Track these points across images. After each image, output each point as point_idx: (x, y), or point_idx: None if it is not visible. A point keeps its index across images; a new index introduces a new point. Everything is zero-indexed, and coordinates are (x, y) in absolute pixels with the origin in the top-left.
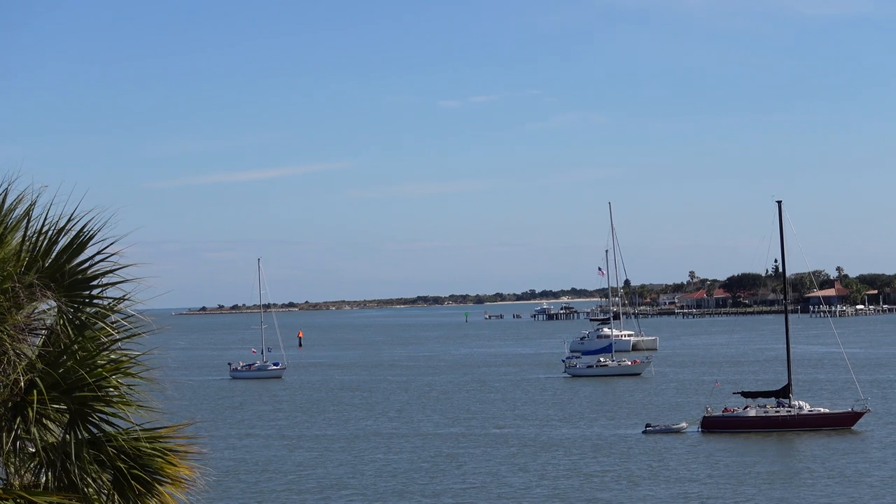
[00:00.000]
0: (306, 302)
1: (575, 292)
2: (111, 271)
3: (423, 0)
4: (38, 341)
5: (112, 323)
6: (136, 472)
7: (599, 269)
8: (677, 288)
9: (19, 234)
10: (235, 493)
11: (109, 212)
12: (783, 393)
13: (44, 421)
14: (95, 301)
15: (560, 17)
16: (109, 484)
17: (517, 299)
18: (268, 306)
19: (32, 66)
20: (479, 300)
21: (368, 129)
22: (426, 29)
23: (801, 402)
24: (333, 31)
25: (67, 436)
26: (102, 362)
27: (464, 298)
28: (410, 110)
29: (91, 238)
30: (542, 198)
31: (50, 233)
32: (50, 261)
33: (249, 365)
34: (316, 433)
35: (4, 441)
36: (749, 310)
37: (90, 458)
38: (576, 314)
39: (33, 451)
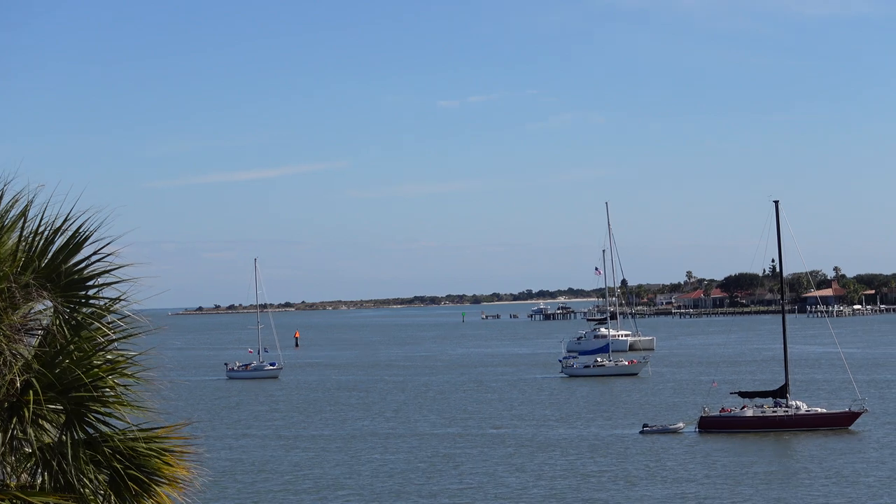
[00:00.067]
0: (303, 302)
1: (572, 292)
2: (107, 271)
3: (422, 0)
4: (35, 342)
5: (108, 323)
6: (132, 472)
7: (596, 269)
8: (674, 288)
9: (15, 235)
10: (232, 494)
11: (106, 212)
12: (780, 393)
13: (40, 421)
14: (91, 301)
15: (560, 17)
16: (106, 484)
17: (514, 299)
18: (264, 306)
19: (32, 66)
20: (475, 300)
21: (368, 129)
22: (426, 29)
23: (798, 403)
24: (333, 31)
25: (64, 436)
26: (99, 362)
27: (461, 298)
28: (410, 110)
29: (87, 238)
30: (541, 198)
31: (46, 233)
32: (46, 261)
33: (246, 365)
34: (312, 433)
35: (0, 441)
36: (746, 310)
37: (86, 459)
38: (573, 314)
39: (29, 451)
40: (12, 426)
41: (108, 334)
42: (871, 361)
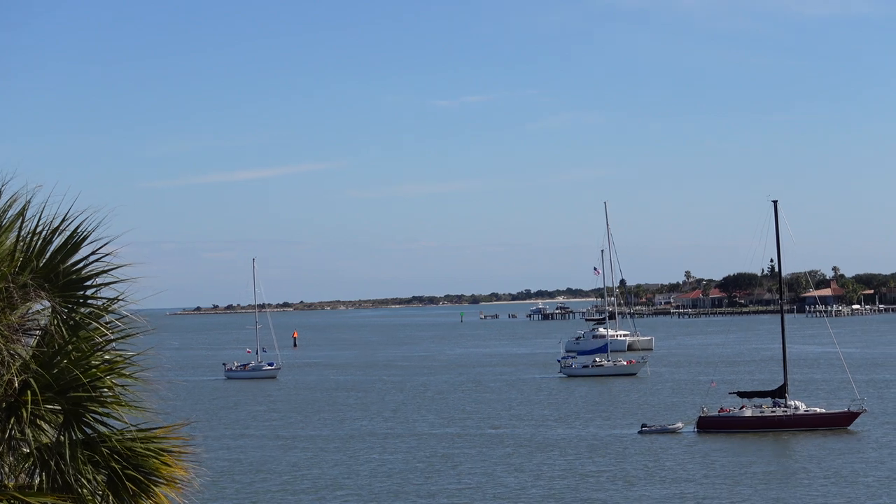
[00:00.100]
0: (301, 302)
1: (571, 292)
2: (105, 271)
3: (422, 0)
4: (33, 342)
5: (106, 323)
6: (130, 472)
7: (595, 268)
8: (673, 288)
9: (13, 234)
10: (230, 494)
11: (104, 212)
12: (779, 393)
13: (38, 422)
14: (90, 301)
15: (560, 17)
16: (104, 484)
17: (513, 299)
18: (262, 306)
19: (32, 66)
20: (474, 300)
21: (367, 129)
22: (426, 29)
23: (797, 402)
24: (333, 31)
25: (62, 436)
26: (97, 363)
27: (459, 298)
28: (410, 110)
29: (85, 238)
30: (541, 198)
31: (44, 233)
32: (44, 261)
33: (244, 365)
34: (311, 433)
35: None
36: (745, 310)
37: (84, 459)
38: (571, 314)
39: (27, 451)
40: (10, 426)
41: (107, 334)
42: (869, 361)
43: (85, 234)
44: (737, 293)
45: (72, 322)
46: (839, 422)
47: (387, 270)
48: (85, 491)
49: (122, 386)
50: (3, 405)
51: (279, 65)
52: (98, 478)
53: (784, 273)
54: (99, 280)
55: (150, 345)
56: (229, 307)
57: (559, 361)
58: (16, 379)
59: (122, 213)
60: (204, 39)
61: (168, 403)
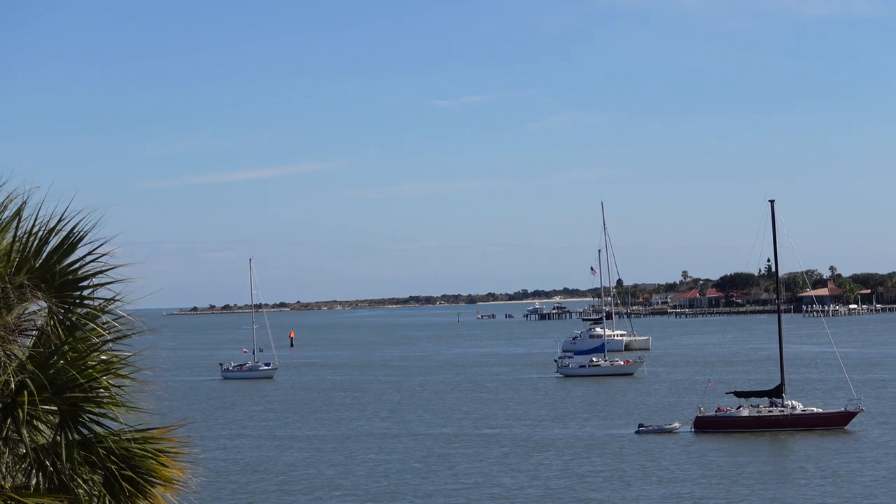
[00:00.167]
0: (298, 302)
1: (567, 292)
2: (102, 272)
3: (422, 0)
4: (29, 342)
5: (103, 324)
6: (126, 473)
7: (592, 268)
8: (670, 287)
9: (10, 235)
10: (227, 494)
11: (100, 212)
12: (776, 393)
13: (34, 422)
14: (86, 302)
15: (560, 17)
16: (100, 485)
17: (509, 299)
18: (259, 306)
19: (32, 66)
20: (471, 300)
21: (367, 129)
22: (426, 29)
23: (794, 402)
24: (333, 31)
25: (58, 437)
26: (93, 363)
27: (456, 298)
28: (410, 110)
29: (82, 238)
30: (541, 198)
31: (40, 233)
32: (40, 261)
33: (241, 365)
34: (307, 433)
35: None
36: (742, 309)
37: (81, 460)
38: (568, 314)
39: (24, 452)
40: (6, 427)
41: (103, 335)
42: (866, 361)
43: (81, 234)
44: (734, 293)
45: (68, 322)
46: (836, 421)
47: (387, 270)
48: (81, 491)
49: (119, 386)
50: (0, 406)
51: (279, 65)
52: (94, 478)
53: (781, 273)
54: (95, 280)
55: (146, 345)
56: (226, 307)
57: (556, 361)
58: (12, 379)
59: (119, 214)
60: (204, 39)
61: (165, 404)
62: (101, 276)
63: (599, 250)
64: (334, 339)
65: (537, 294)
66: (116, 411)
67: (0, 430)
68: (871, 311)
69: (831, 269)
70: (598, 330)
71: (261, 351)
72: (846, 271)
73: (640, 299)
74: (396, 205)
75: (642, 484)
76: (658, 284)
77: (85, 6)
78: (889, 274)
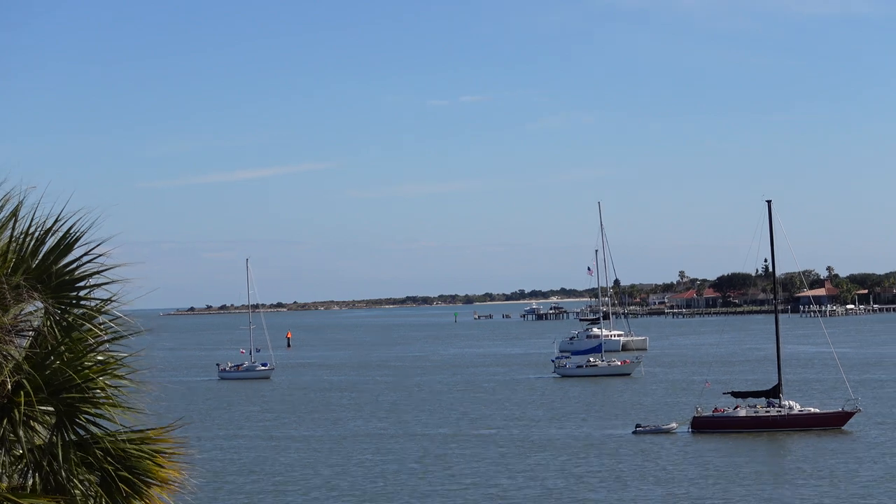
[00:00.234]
0: (295, 302)
1: (564, 292)
2: (98, 272)
3: (422, 0)
4: (25, 343)
5: (99, 324)
6: (123, 474)
7: (588, 268)
8: (667, 288)
9: (6, 235)
10: (223, 495)
11: (97, 212)
12: (773, 393)
13: (31, 423)
14: (83, 302)
15: (560, 17)
16: (97, 486)
17: (506, 299)
18: (256, 306)
19: (32, 66)
20: (468, 300)
21: (367, 129)
22: (426, 29)
23: (791, 402)
24: (333, 31)
25: (54, 438)
26: (90, 364)
27: (453, 298)
28: (410, 110)
29: (78, 239)
30: (541, 198)
31: (37, 233)
32: (37, 262)
33: (238, 366)
34: (304, 434)
35: None
36: (739, 309)
37: (77, 460)
38: (565, 314)
39: (20, 453)
40: (3, 427)
41: (99, 335)
42: (863, 361)
43: (78, 234)
44: (731, 293)
45: (65, 323)
46: (833, 422)
47: (386, 271)
48: (78, 492)
49: (115, 387)
50: None
51: (279, 65)
52: (91, 479)
53: (778, 273)
54: (92, 281)
55: (143, 346)
56: (223, 307)
57: (553, 361)
58: (8, 380)
59: (117, 214)
60: (204, 39)
61: (161, 404)
62: (97, 276)
63: (596, 250)
64: (331, 339)
65: (534, 294)
66: (113, 412)
67: None
68: (868, 311)
69: (828, 269)
70: (596, 330)
71: (258, 351)
72: (843, 271)
73: (638, 299)
74: (396, 205)
75: (639, 484)
76: (655, 284)
77: (85, 6)
78: (886, 274)
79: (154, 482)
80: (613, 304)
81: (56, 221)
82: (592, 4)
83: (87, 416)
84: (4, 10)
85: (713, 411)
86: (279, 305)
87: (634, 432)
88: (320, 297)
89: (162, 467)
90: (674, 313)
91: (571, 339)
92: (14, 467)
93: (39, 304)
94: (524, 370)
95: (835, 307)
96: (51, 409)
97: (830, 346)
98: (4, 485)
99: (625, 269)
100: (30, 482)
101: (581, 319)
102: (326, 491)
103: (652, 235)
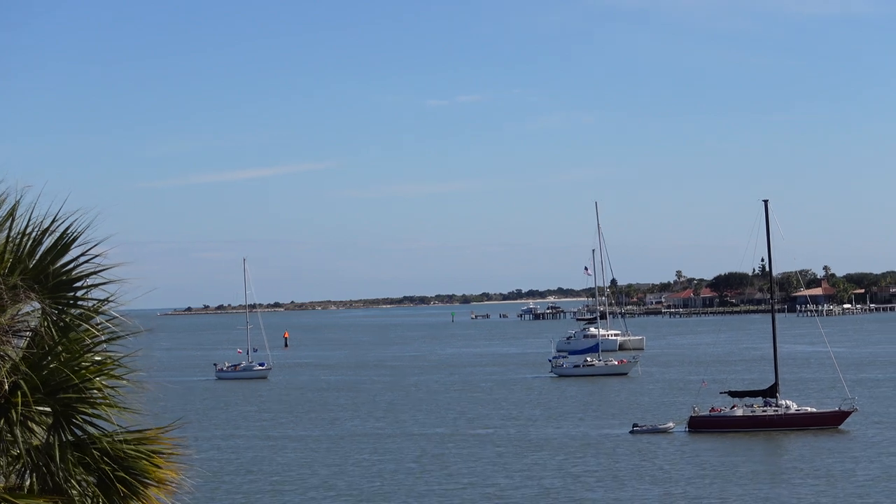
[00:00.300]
0: (292, 302)
1: (562, 292)
2: (96, 272)
3: (422, 0)
4: (22, 343)
5: (96, 324)
6: (120, 474)
7: (586, 268)
8: (664, 287)
9: (3, 235)
10: (220, 495)
11: (94, 213)
12: (770, 392)
13: (28, 423)
14: (80, 303)
15: (559, 17)
16: (94, 486)
17: (504, 299)
18: (253, 306)
19: (32, 66)
20: (465, 300)
21: (367, 128)
22: (425, 29)
23: (788, 402)
24: (333, 31)
25: (51, 438)
26: (87, 364)
27: (450, 298)
28: (410, 110)
29: (75, 239)
30: (542, 198)
31: (34, 234)
32: (34, 262)
33: (235, 365)
34: (302, 434)
35: None
36: (736, 309)
37: (74, 461)
38: (562, 314)
39: (17, 453)
40: (0, 428)
41: (97, 336)
42: (860, 360)
43: (75, 234)
44: (728, 293)
45: (62, 323)
46: (830, 421)
47: (386, 271)
48: (75, 493)
49: (113, 387)
50: None
51: (279, 65)
52: (88, 479)
53: (775, 272)
54: (89, 281)
55: (140, 346)
56: (220, 307)
57: (550, 361)
58: (6, 380)
59: (115, 214)
60: (204, 39)
61: (158, 404)
62: (94, 276)
63: (594, 250)
64: (328, 339)
65: (531, 294)
66: (110, 412)
67: None
68: (865, 310)
69: (825, 268)
70: (593, 330)
71: (255, 351)
72: (840, 271)
73: (635, 299)
74: (396, 205)
75: (636, 484)
76: (652, 284)
77: (85, 6)
78: (883, 274)
79: (151, 482)
80: (610, 304)
81: (53, 221)
82: (592, 4)
83: (84, 417)
84: (4, 10)
85: (710, 411)
86: (276, 305)
87: (631, 432)
88: (320, 296)
89: (159, 468)
90: (671, 313)
91: (568, 338)
92: (11, 468)
93: (36, 305)
94: (521, 370)
95: (831, 307)
96: (48, 409)
97: (827, 345)
98: (1, 485)
99: (624, 269)
100: (27, 482)
101: (578, 319)
102: (324, 491)
103: (652, 235)
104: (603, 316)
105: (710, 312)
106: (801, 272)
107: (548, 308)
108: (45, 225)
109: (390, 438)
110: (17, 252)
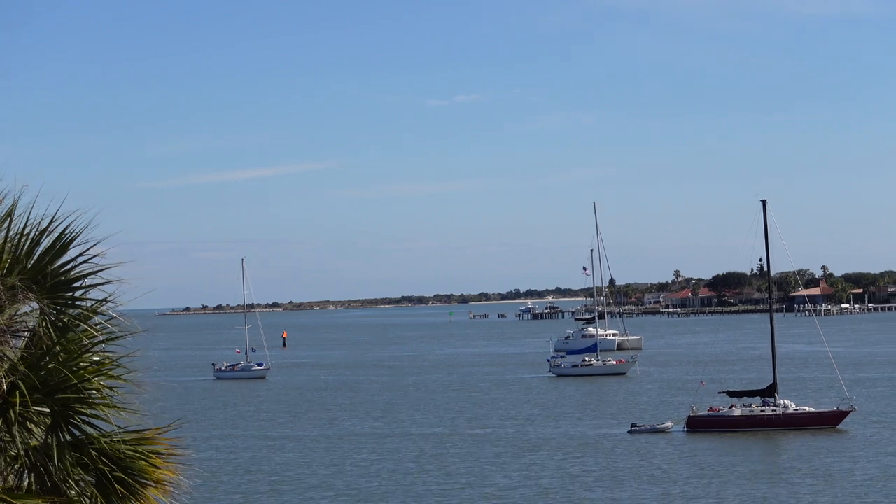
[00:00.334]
0: (290, 302)
1: (560, 292)
2: (94, 273)
3: (422, 0)
4: (21, 343)
5: (95, 325)
6: (118, 474)
7: (584, 268)
8: (662, 287)
9: (1, 235)
10: (219, 495)
11: (92, 213)
12: (768, 392)
13: (26, 423)
14: (78, 303)
15: (559, 17)
16: (92, 487)
17: (502, 299)
18: (251, 306)
19: (32, 66)
20: (463, 300)
21: (367, 128)
22: (425, 29)
23: (786, 402)
24: (333, 31)
25: (50, 438)
26: (85, 364)
27: (448, 298)
28: (410, 110)
29: (74, 239)
30: (542, 198)
31: (32, 234)
32: (32, 262)
33: (233, 365)
34: (300, 434)
35: None
36: (734, 309)
37: (73, 461)
38: (561, 314)
39: (15, 453)
40: None
41: (95, 336)
42: (858, 360)
43: (73, 235)
44: (726, 292)
45: (60, 324)
46: (828, 421)
47: (386, 271)
48: (73, 493)
49: (111, 387)
50: None
51: (279, 65)
52: (86, 480)
53: (773, 272)
54: (87, 281)
55: (138, 346)
56: (218, 307)
57: (548, 361)
58: (4, 381)
59: (114, 214)
60: (204, 39)
61: (157, 404)
62: (93, 276)
63: (592, 250)
64: (327, 339)
65: (530, 294)
66: (108, 412)
67: None
68: (863, 310)
69: (823, 268)
70: (591, 329)
71: (253, 351)
72: (838, 271)
73: (633, 299)
74: (396, 205)
75: (635, 483)
76: (650, 284)
77: (85, 6)
78: (881, 273)
79: (149, 483)
80: (609, 304)
81: (52, 221)
82: (592, 4)
83: (82, 417)
84: (4, 10)
85: (708, 410)
86: (275, 305)
87: (630, 431)
88: (319, 296)
89: (157, 468)
90: (669, 313)
91: (567, 338)
92: (9, 468)
93: (35, 305)
94: (519, 370)
95: (830, 306)
96: (46, 409)
97: (825, 345)
98: (0, 485)
99: (624, 268)
100: (25, 483)
101: (576, 319)
102: (322, 490)
103: (651, 235)
104: (601, 316)
105: (709, 312)
106: (799, 272)
107: (546, 308)
108: (44, 225)
109: (388, 438)
110: (16, 252)
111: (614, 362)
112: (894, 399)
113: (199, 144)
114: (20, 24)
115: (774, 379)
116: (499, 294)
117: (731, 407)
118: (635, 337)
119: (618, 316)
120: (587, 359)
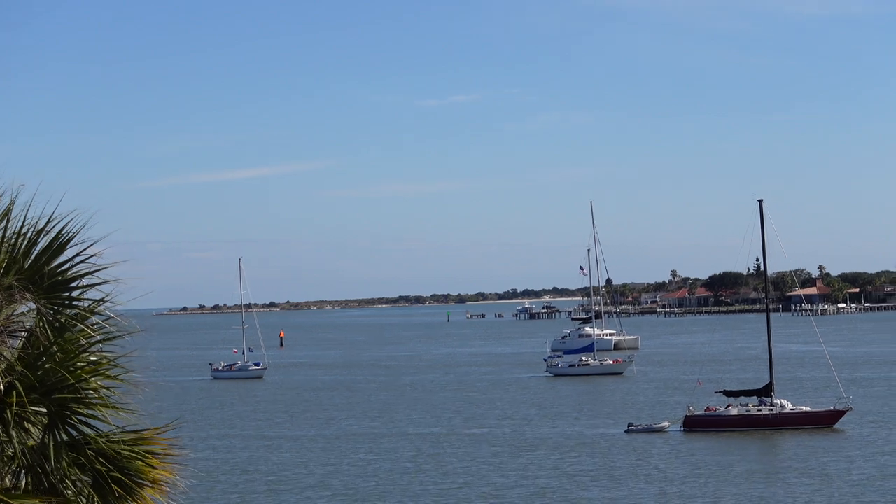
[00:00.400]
0: (287, 302)
1: (557, 291)
2: (91, 273)
3: (422, 0)
4: (18, 343)
5: (92, 325)
6: (115, 474)
7: (581, 268)
8: (659, 287)
9: None
10: (216, 495)
11: (89, 212)
12: (765, 392)
13: (23, 423)
14: (75, 303)
15: (559, 17)
16: (89, 487)
17: (499, 298)
18: (248, 306)
19: (32, 66)
20: (460, 300)
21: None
22: (425, 29)
23: (782, 401)
24: (333, 31)
25: (47, 438)
26: (82, 364)
27: (445, 298)
28: (409, 110)
29: (71, 239)
30: (540, 198)
31: (29, 234)
32: (29, 262)
33: (231, 365)
34: (297, 433)
35: None
36: (731, 308)
37: (70, 461)
38: (558, 313)
39: (12, 453)
40: None
41: (92, 336)
42: (855, 360)
43: (71, 234)
44: (723, 292)
45: (57, 324)
46: (825, 420)
47: (385, 270)
48: (70, 493)
49: (108, 387)
50: None
51: (278, 65)
52: (83, 480)
53: (770, 272)
54: (85, 281)
55: (135, 346)
56: (216, 307)
57: (545, 361)
58: (0, 381)
59: (112, 214)
60: (204, 39)
61: (154, 404)
62: (90, 276)
63: (589, 250)
64: (324, 338)
65: (527, 294)
66: (105, 412)
67: None
68: (860, 310)
69: (820, 268)
70: (588, 329)
71: (250, 351)
72: (835, 270)
73: (630, 299)
74: (394, 205)
75: (632, 483)
76: (647, 284)
77: (85, 6)
78: (877, 273)
79: (146, 483)
80: (605, 304)
81: (49, 221)
82: (592, 4)
83: (79, 417)
84: (4, 10)
85: (705, 410)
86: (272, 305)
87: (627, 431)
88: (317, 296)
89: (154, 468)
90: (666, 312)
91: (563, 338)
92: (6, 468)
93: (32, 305)
94: (516, 369)
95: (826, 306)
96: (43, 409)
97: (822, 344)
98: None
99: (622, 268)
100: (22, 483)
101: (573, 319)
102: (319, 490)
103: (651, 235)
104: (598, 315)
105: (705, 312)
106: (795, 272)
107: (543, 308)
108: (41, 225)
109: (386, 438)
110: (13, 252)
111: (611, 362)
112: (891, 399)
113: (197, 144)
114: (20, 24)
115: (771, 378)
116: (496, 294)
117: (728, 406)
118: (632, 337)
119: (614, 316)
120: (584, 358)
